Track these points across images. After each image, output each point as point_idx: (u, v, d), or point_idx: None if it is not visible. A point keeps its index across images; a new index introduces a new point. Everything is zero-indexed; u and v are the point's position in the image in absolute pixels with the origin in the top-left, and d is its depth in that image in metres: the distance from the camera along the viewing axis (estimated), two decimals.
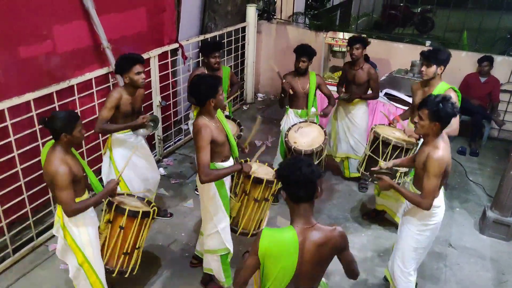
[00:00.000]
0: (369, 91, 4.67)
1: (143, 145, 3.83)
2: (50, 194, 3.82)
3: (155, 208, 3.16)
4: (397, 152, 3.75)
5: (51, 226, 3.92)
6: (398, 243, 3.09)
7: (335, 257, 2.14)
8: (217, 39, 5.89)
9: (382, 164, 3.29)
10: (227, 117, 4.15)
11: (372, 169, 3.33)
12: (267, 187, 3.22)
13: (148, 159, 3.86)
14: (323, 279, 2.23)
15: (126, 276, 3.10)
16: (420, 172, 2.79)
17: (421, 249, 3.03)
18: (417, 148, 3.63)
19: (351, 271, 2.21)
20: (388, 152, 3.77)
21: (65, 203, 2.64)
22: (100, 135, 4.26)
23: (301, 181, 1.97)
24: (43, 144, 3.64)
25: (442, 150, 2.66)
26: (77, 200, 2.72)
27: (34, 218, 3.76)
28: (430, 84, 3.66)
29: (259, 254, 2.01)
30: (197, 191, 4.66)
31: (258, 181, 3.17)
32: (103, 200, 2.97)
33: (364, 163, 4.00)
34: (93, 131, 3.83)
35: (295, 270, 2.02)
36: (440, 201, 2.89)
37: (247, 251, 2.37)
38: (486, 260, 3.91)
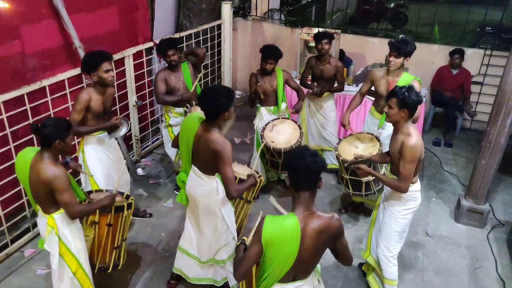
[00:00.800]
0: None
1: (116, 147, 3.76)
2: (25, 199, 3.72)
3: (132, 197, 3.22)
4: (371, 164, 3.63)
5: (26, 231, 3.86)
6: (382, 229, 3.17)
7: None
8: (193, 37, 5.86)
9: (357, 155, 3.37)
10: (198, 104, 4.20)
11: (349, 161, 3.42)
12: (250, 189, 3.21)
13: (119, 160, 3.77)
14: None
15: (119, 268, 3.15)
16: (395, 160, 2.93)
17: (404, 232, 3.16)
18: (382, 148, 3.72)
19: (345, 256, 2.28)
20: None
21: (71, 204, 2.60)
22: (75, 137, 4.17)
23: (303, 170, 2.04)
24: (15, 148, 3.55)
25: (414, 136, 2.83)
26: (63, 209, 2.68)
27: (8, 224, 3.66)
28: (395, 74, 3.79)
29: (263, 241, 2.05)
30: (178, 192, 4.63)
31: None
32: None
33: (350, 187, 3.88)
34: None
35: (296, 256, 2.07)
36: (418, 185, 3.05)
37: (241, 243, 2.40)
38: (462, 247, 4.02)
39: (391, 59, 3.74)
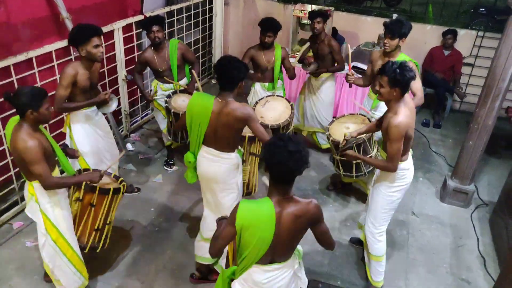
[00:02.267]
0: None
1: (104, 123, 3.69)
2: (13, 171, 3.69)
3: (124, 183, 3.15)
4: (361, 146, 3.63)
5: (14, 204, 3.84)
6: (371, 205, 3.20)
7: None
8: (184, 11, 5.74)
9: (347, 135, 3.36)
10: (182, 91, 4.21)
11: (340, 145, 3.41)
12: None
13: (108, 135, 3.73)
14: (298, 246, 2.29)
15: (98, 251, 3.11)
16: (385, 138, 2.90)
17: (391, 210, 3.18)
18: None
19: (326, 242, 2.26)
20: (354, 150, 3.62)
21: (43, 175, 2.57)
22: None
23: (284, 171, 1.97)
24: (1, 119, 3.49)
25: (401, 115, 2.74)
26: None
27: None
28: (391, 55, 3.75)
29: (236, 225, 2.05)
30: (168, 167, 4.64)
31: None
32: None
33: (340, 168, 3.84)
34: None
35: (272, 240, 2.07)
36: (409, 164, 3.03)
37: (222, 218, 2.41)
38: (446, 226, 4.11)
39: (386, 40, 3.67)
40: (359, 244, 3.72)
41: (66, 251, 2.86)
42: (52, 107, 2.72)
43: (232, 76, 2.75)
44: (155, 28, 3.99)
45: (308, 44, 4.88)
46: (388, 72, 2.72)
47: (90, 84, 3.37)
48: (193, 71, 4.05)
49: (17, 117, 2.64)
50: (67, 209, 2.87)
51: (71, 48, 4.06)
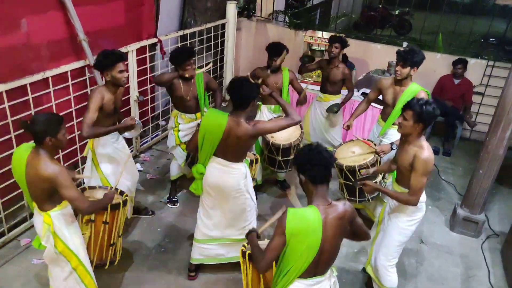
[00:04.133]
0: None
1: (124, 145, 3.71)
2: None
3: (126, 194, 3.29)
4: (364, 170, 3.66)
5: (23, 221, 3.86)
6: (384, 239, 3.15)
7: None
8: (197, 35, 5.86)
9: (363, 171, 3.38)
10: None
11: (356, 180, 3.40)
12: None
13: (127, 158, 3.70)
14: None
15: (116, 263, 3.19)
16: (405, 171, 2.88)
17: (405, 243, 3.16)
18: (380, 158, 3.74)
19: (363, 233, 2.40)
20: (356, 175, 3.66)
21: (79, 199, 2.54)
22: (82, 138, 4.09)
23: (323, 164, 2.17)
24: (16, 137, 3.56)
25: (427, 149, 2.77)
26: (60, 206, 2.67)
27: (6, 212, 3.67)
28: (402, 84, 3.76)
29: (287, 232, 2.10)
30: (172, 205, 4.40)
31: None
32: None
33: (344, 191, 3.86)
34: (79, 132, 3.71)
35: (318, 248, 2.13)
36: (424, 195, 3.02)
37: (252, 231, 2.50)
38: (456, 256, 4.03)
39: (397, 68, 3.69)
40: None
41: (84, 277, 2.84)
42: (80, 132, 2.74)
43: (244, 96, 2.94)
44: (192, 60, 3.84)
45: (316, 63, 5.00)
46: (414, 107, 2.75)
47: (114, 108, 3.43)
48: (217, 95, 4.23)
49: (26, 145, 2.64)
50: (81, 236, 2.86)
51: (86, 68, 4.17)
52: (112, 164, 3.57)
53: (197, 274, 3.53)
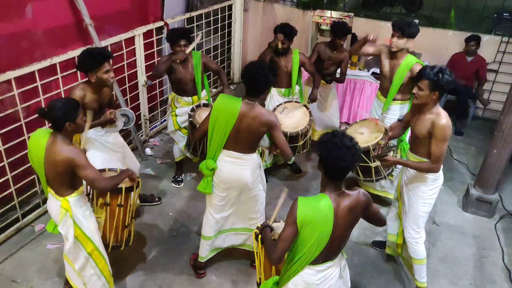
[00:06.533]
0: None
1: (116, 139, 3.56)
2: (35, 175, 3.76)
3: (138, 176, 3.17)
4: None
5: (37, 207, 3.91)
6: (409, 212, 3.13)
7: None
8: (203, 17, 5.78)
9: (381, 142, 3.31)
10: (205, 105, 4.06)
11: (374, 155, 3.35)
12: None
13: (124, 150, 3.67)
14: None
15: (130, 244, 3.20)
16: (422, 139, 2.88)
17: (428, 212, 3.15)
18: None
19: (380, 219, 2.40)
20: (370, 154, 3.61)
21: (97, 179, 2.57)
22: None
23: (344, 168, 2.08)
24: (26, 124, 3.57)
25: (444, 116, 2.79)
26: (77, 192, 2.69)
27: (20, 199, 3.71)
28: (397, 56, 3.72)
29: (298, 222, 2.08)
30: (176, 184, 4.48)
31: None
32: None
33: (360, 173, 3.81)
34: None
35: (330, 236, 2.11)
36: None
37: (265, 226, 2.49)
38: (468, 236, 4.01)
39: (393, 39, 3.66)
40: (382, 247, 3.71)
41: (99, 262, 2.87)
42: (85, 117, 2.72)
43: (259, 84, 2.84)
44: (182, 42, 3.83)
45: (313, 52, 4.79)
46: (429, 75, 2.74)
47: (99, 106, 3.25)
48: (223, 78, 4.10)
49: (42, 131, 2.63)
50: (95, 222, 2.87)
51: None
52: (99, 156, 3.38)
53: (205, 272, 3.43)
